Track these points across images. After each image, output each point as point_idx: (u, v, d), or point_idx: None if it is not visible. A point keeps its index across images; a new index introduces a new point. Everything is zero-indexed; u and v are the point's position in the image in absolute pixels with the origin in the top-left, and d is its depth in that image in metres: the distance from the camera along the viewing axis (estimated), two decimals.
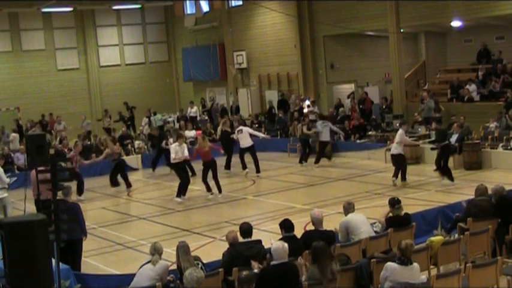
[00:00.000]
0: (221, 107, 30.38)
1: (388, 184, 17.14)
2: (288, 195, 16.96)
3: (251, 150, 20.01)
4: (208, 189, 17.04)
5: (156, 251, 8.43)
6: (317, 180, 18.74)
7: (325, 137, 21.15)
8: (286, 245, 7.77)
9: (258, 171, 19.98)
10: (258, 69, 30.09)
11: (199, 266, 8.37)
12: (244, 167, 20.24)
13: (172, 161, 17.30)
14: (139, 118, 29.73)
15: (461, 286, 7.82)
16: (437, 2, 22.47)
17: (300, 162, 21.46)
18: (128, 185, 19.26)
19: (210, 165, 16.95)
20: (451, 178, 16.52)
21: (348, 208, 10.03)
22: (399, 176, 16.80)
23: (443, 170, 16.73)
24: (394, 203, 10.14)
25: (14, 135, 25.28)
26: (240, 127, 20.78)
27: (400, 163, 16.83)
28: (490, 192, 10.74)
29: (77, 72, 32.98)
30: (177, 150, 16.87)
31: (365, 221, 9.98)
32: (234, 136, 20.53)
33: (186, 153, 17.06)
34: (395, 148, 16.80)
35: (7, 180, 14.18)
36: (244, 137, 19.99)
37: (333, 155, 21.88)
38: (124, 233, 14.20)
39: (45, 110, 30.16)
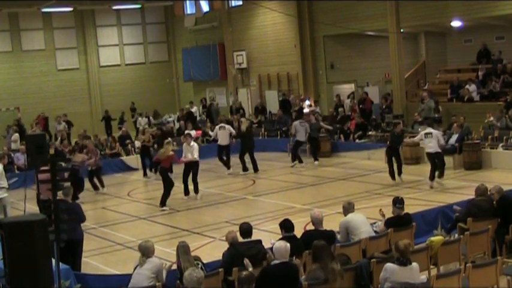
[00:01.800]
0: (238, 105, 29.92)
1: (388, 184, 17.14)
2: (288, 195, 16.95)
3: (227, 149, 20.46)
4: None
5: (141, 251, 8.48)
6: (317, 180, 18.74)
7: (300, 136, 21.25)
8: (288, 244, 7.78)
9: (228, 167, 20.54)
10: (258, 69, 30.09)
11: (199, 266, 8.37)
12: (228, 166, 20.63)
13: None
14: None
15: (461, 286, 7.81)
16: (437, 2, 22.46)
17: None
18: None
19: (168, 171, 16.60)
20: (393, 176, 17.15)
21: (348, 208, 10.03)
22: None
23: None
24: (396, 201, 10.14)
25: (17, 135, 25.29)
26: (223, 124, 21.00)
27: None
28: (489, 192, 10.73)
29: (77, 72, 32.99)
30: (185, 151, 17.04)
31: (365, 221, 9.97)
32: (213, 132, 21.20)
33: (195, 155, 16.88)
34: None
35: (5, 185, 14.00)
36: (225, 134, 20.32)
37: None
38: (124, 233, 14.20)
39: (45, 110, 30.17)
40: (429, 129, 16.70)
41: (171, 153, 16.50)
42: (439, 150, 16.47)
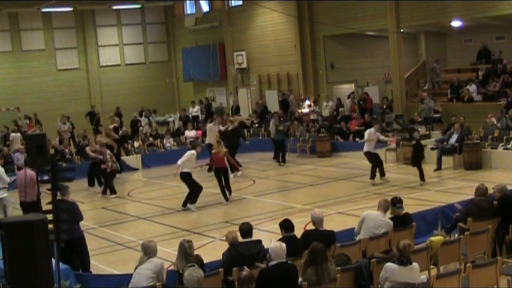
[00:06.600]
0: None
1: (388, 184, 17.14)
2: (288, 195, 16.96)
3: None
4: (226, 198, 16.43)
5: (143, 250, 8.50)
6: (317, 180, 18.74)
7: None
8: (284, 245, 7.74)
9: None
10: (258, 69, 30.09)
11: (195, 267, 8.35)
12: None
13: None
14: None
15: (461, 286, 7.81)
16: (437, 2, 22.47)
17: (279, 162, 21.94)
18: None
19: (222, 172, 16.44)
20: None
21: (382, 206, 9.89)
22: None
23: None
24: (396, 202, 10.12)
25: (14, 136, 25.27)
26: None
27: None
28: (491, 191, 10.73)
29: (77, 72, 32.98)
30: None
31: (381, 226, 9.81)
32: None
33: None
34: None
35: (7, 179, 14.21)
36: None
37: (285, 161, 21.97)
38: (124, 233, 14.20)
39: (45, 110, 30.21)
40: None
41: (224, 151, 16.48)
42: (370, 150, 17.21)
